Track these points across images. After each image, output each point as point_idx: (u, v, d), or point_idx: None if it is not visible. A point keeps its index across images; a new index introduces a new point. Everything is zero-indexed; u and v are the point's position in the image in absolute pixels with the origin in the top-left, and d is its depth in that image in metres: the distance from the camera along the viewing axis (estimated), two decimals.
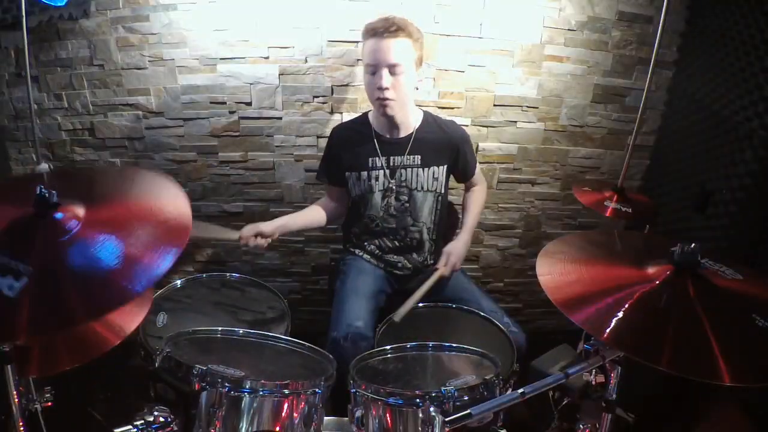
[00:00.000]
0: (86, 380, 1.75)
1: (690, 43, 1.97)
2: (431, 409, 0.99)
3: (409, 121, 1.64)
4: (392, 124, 1.61)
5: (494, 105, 2.04)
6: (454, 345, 1.18)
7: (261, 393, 1.04)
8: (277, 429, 1.05)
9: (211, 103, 1.94)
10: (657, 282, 0.89)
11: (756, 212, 1.63)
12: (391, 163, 1.64)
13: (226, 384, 1.01)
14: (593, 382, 1.02)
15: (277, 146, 2.04)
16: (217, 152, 2.03)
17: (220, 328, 1.16)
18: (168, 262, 0.81)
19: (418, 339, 1.21)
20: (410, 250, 1.73)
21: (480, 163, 2.05)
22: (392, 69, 1.47)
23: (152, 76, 1.88)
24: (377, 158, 1.63)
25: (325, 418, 1.19)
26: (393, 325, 1.45)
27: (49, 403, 1.01)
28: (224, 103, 1.94)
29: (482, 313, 1.53)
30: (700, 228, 1.82)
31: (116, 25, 1.80)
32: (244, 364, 1.08)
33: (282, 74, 1.91)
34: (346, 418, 1.15)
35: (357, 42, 1.87)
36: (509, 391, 1.15)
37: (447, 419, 0.89)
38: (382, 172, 1.64)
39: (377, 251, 1.74)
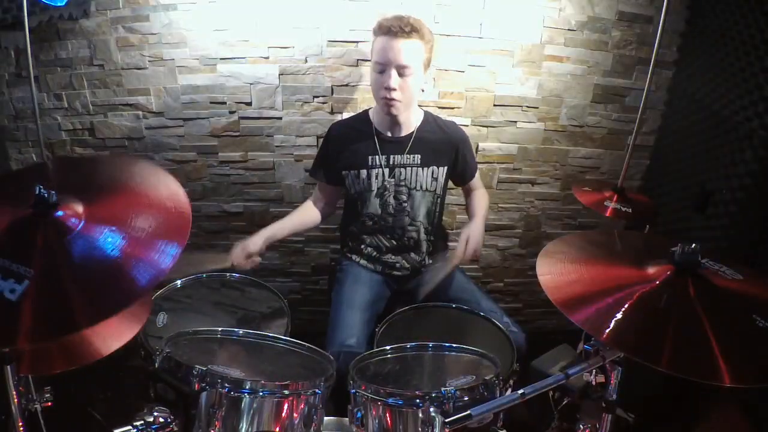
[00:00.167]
0: (86, 380, 1.75)
1: (690, 43, 1.97)
2: (431, 409, 0.98)
3: (411, 120, 1.63)
4: (394, 122, 1.60)
5: (494, 105, 2.04)
6: (454, 345, 1.17)
7: (261, 393, 1.04)
8: (277, 429, 1.04)
9: (211, 103, 1.94)
10: (657, 282, 0.89)
11: (756, 212, 1.63)
12: (391, 162, 1.63)
13: (226, 384, 1.01)
14: (593, 383, 1.02)
15: (277, 146, 2.04)
16: (217, 152, 2.03)
17: (220, 329, 1.16)
18: (173, 253, 0.80)
19: (417, 339, 1.21)
20: (408, 249, 1.72)
21: (480, 163, 2.05)
22: (401, 70, 1.46)
23: (152, 76, 1.88)
24: (377, 156, 1.62)
25: (325, 418, 1.19)
26: (393, 325, 1.46)
27: (49, 403, 1.00)
28: (224, 103, 1.94)
29: (482, 313, 1.53)
30: (700, 228, 1.82)
31: (116, 25, 1.79)
32: (244, 365, 1.08)
33: (282, 74, 1.91)
34: (346, 419, 1.15)
35: (357, 42, 1.87)
36: (509, 392, 1.16)
37: (447, 420, 0.89)
38: (381, 170, 1.63)
39: (375, 253, 1.73)
